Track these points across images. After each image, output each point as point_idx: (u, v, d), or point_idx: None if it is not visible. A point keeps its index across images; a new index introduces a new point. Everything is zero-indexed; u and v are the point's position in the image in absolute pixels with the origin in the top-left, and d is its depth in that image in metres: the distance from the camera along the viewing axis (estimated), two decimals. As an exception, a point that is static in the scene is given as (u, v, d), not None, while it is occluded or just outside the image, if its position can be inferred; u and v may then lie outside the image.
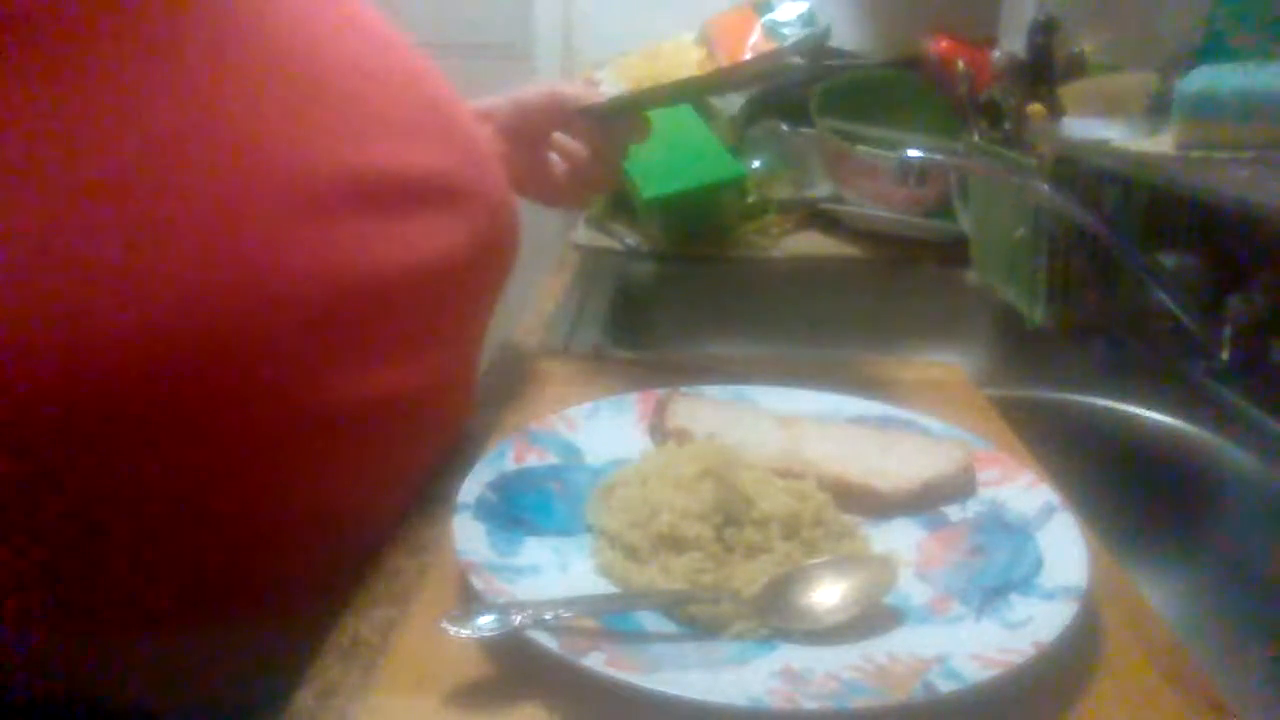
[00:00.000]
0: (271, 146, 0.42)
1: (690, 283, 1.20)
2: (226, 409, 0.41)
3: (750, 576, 0.44)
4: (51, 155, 0.37)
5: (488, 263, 0.56)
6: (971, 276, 1.10)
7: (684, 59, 0.69)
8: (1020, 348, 0.97)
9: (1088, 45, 0.98)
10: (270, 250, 0.41)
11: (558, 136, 0.71)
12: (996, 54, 1.08)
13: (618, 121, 0.70)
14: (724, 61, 0.66)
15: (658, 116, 0.70)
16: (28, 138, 0.37)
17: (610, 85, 0.73)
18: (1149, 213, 0.85)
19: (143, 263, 0.38)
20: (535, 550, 0.46)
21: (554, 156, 0.74)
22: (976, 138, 1.03)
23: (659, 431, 0.58)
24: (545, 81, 0.73)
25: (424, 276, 0.48)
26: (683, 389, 0.62)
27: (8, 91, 0.37)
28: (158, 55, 0.40)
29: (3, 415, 0.37)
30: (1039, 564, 0.44)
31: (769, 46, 0.64)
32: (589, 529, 0.49)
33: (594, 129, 0.71)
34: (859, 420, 0.60)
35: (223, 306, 0.39)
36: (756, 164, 1.35)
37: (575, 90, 0.71)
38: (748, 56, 0.64)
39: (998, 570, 0.45)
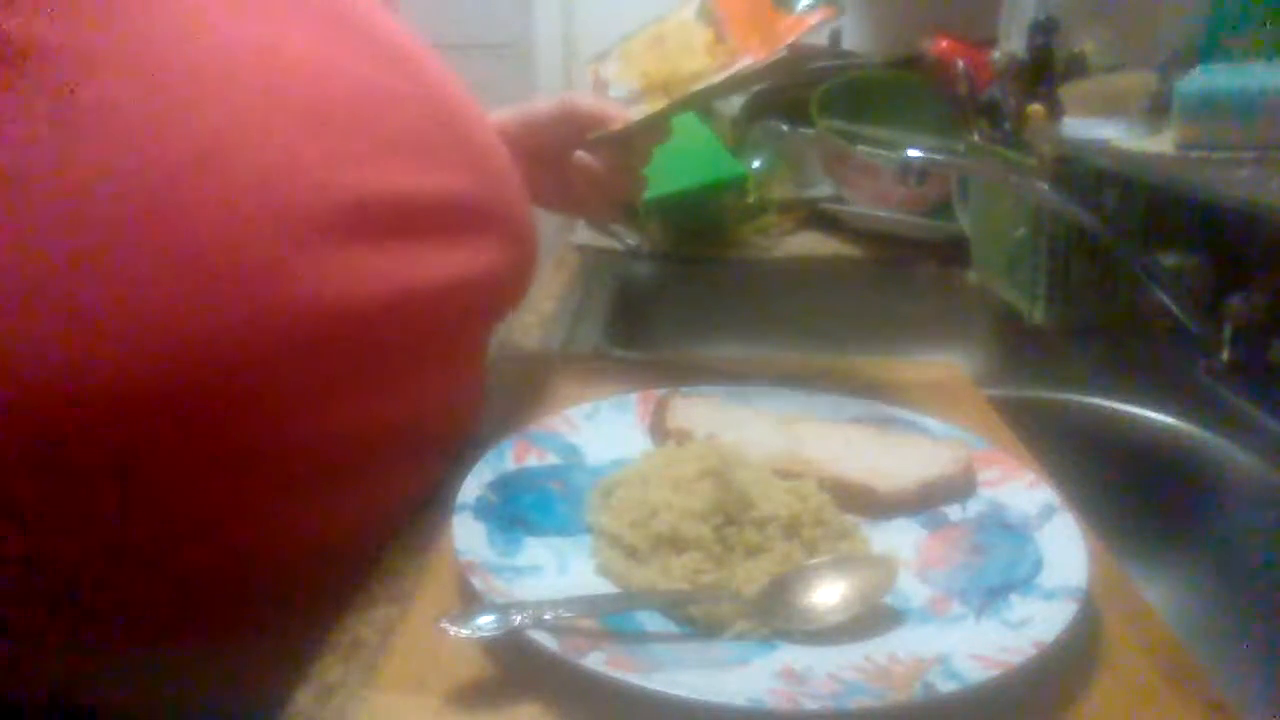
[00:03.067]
0: (276, 173, 0.41)
1: (690, 283, 1.20)
2: (230, 435, 0.41)
3: (750, 576, 0.44)
4: (48, 187, 0.37)
5: (508, 285, 0.55)
6: (971, 276, 1.10)
7: (692, 43, 0.66)
8: (1020, 348, 0.97)
9: (1088, 45, 0.98)
10: (274, 278, 0.40)
11: (579, 155, 0.68)
12: (996, 54, 1.08)
13: (639, 135, 0.68)
14: (734, 44, 0.64)
15: None
16: (23, 171, 0.37)
17: (620, 83, 0.70)
18: (1149, 213, 0.85)
19: (144, 292, 0.37)
20: (535, 550, 0.46)
21: (574, 172, 0.70)
22: (976, 138, 1.03)
23: (659, 431, 0.58)
24: (556, 96, 0.69)
25: (442, 302, 0.48)
26: (683, 389, 0.62)
27: (3, 124, 0.37)
28: (160, 84, 0.40)
29: (5, 443, 0.37)
30: (1039, 564, 0.44)
31: (780, 26, 0.61)
32: (589, 529, 0.49)
33: (615, 147, 0.68)
34: (859, 420, 0.60)
35: (227, 335, 0.39)
36: (756, 164, 1.35)
37: (589, 106, 0.67)
38: (768, 51, 0.61)
39: (998, 570, 0.45)
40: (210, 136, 0.40)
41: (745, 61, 0.63)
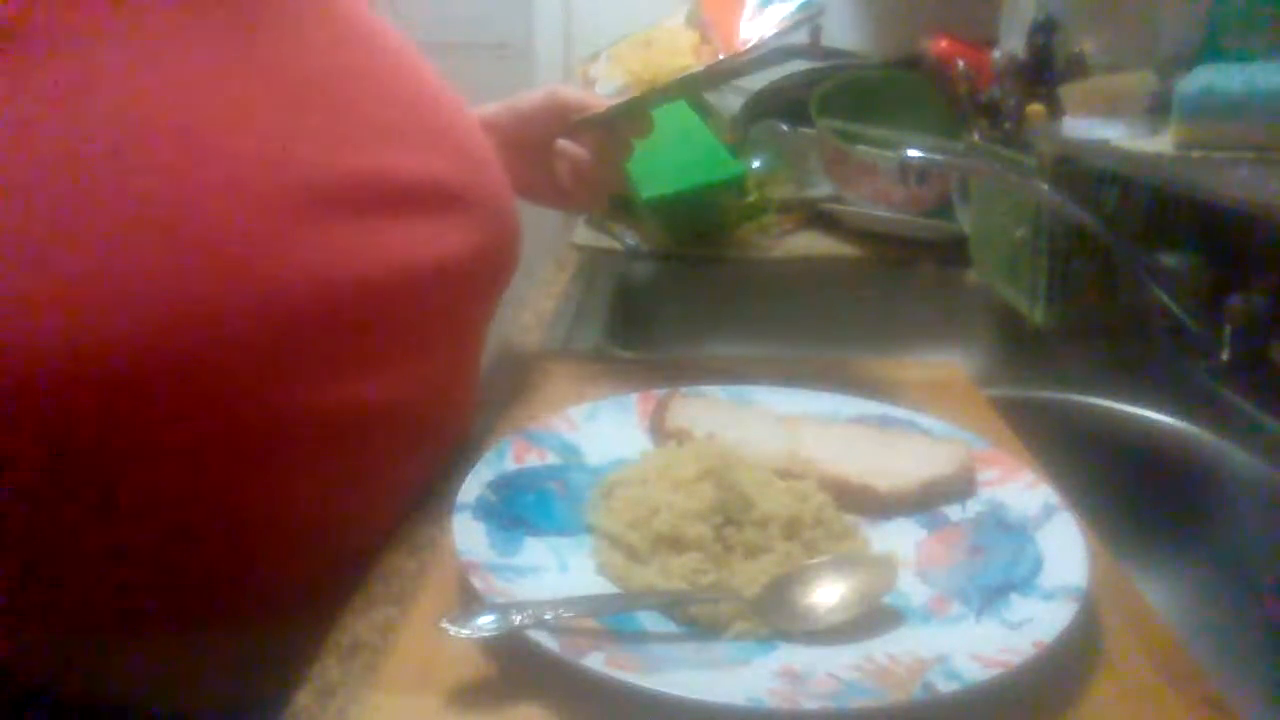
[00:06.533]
0: (259, 151, 0.42)
1: (690, 283, 1.20)
2: (216, 415, 0.41)
3: (750, 576, 0.44)
4: (32, 159, 0.37)
5: (489, 268, 0.56)
6: (971, 276, 1.10)
7: (678, 44, 0.68)
8: (1020, 348, 0.97)
9: (1088, 45, 0.98)
10: (258, 256, 0.40)
11: (561, 143, 0.70)
12: (996, 54, 1.08)
13: (620, 124, 0.70)
14: (718, 45, 0.65)
15: (657, 117, 0.70)
16: (8, 141, 0.37)
17: (606, 81, 0.72)
18: (1149, 213, 0.85)
19: (129, 268, 0.37)
20: (535, 550, 0.46)
21: (558, 161, 0.73)
22: (976, 138, 1.03)
23: (659, 431, 0.58)
24: (543, 87, 0.72)
25: (420, 282, 0.48)
26: (683, 389, 0.62)
27: None
28: (145, 60, 0.40)
29: None
30: (1039, 564, 0.44)
31: (761, 26, 0.63)
32: (589, 529, 0.49)
33: (597, 135, 0.70)
34: (859, 420, 0.60)
35: (210, 312, 0.39)
36: (756, 164, 1.35)
37: (574, 95, 0.70)
38: (742, 44, 0.63)
39: (998, 570, 0.45)
40: (189, 115, 0.40)
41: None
